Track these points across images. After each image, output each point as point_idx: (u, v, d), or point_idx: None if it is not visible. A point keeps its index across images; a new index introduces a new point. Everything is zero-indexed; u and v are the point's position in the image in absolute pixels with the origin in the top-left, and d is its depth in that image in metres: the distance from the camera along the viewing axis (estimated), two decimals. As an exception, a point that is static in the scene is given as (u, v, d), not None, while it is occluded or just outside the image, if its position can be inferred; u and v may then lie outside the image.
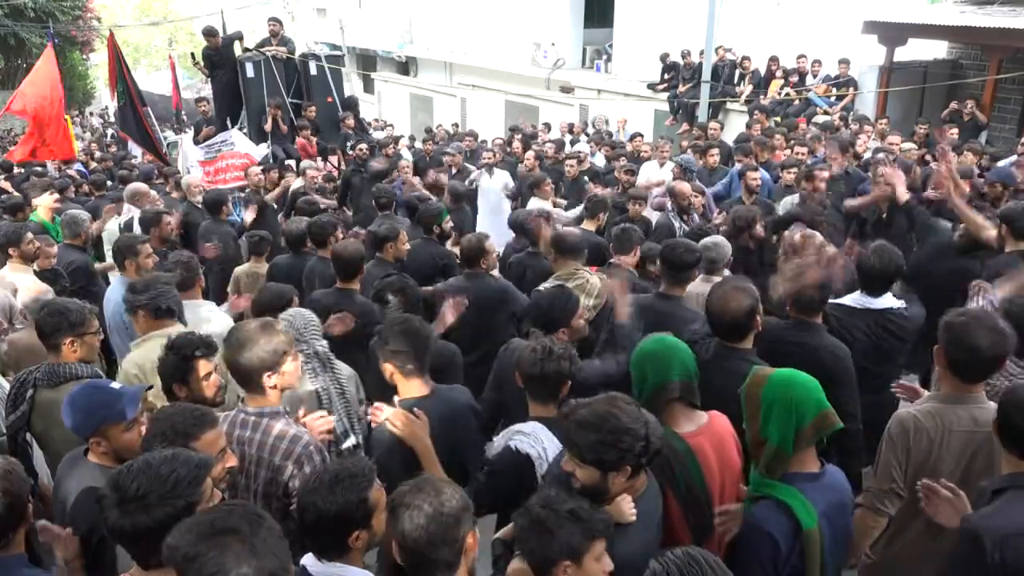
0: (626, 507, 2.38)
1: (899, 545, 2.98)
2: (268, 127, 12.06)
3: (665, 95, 15.79)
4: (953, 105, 11.52)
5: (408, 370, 3.07)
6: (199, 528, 1.79)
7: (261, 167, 9.65)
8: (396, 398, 3.06)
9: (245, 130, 12.30)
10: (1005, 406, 2.45)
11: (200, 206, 7.60)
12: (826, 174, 6.78)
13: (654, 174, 9.34)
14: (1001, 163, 8.24)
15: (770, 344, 3.39)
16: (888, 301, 3.98)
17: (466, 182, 9.40)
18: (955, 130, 9.88)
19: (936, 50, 13.79)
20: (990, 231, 4.85)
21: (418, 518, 2.06)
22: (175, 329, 3.78)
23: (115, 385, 2.86)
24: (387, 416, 2.95)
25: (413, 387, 3.09)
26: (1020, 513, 2.29)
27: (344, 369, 3.80)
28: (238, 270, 6.23)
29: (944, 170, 5.27)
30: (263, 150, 11.81)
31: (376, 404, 3.08)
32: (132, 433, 2.72)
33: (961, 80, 12.91)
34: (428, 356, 3.13)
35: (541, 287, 4.74)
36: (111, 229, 7.12)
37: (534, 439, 2.85)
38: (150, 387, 3.09)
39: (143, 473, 2.08)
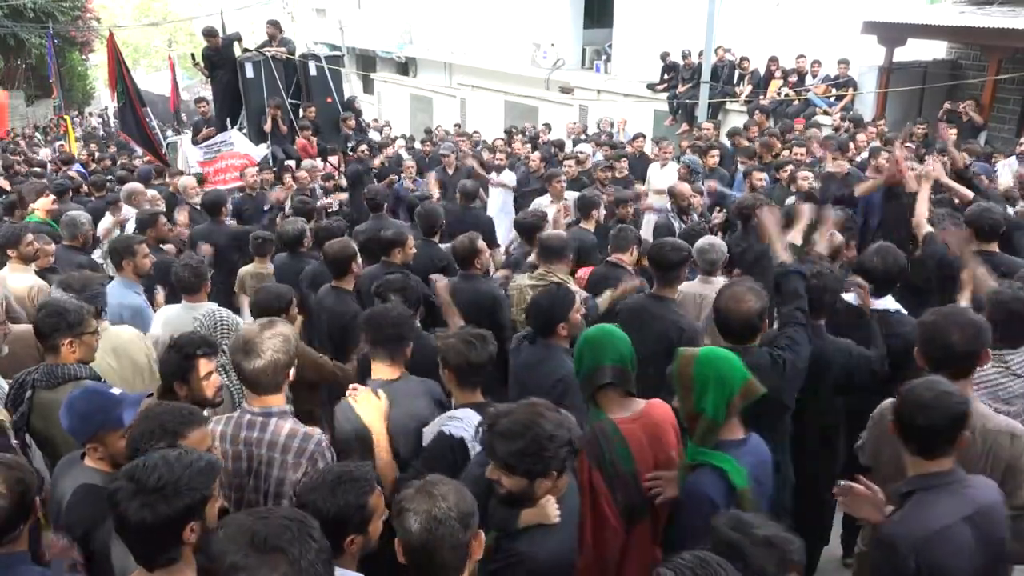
0: (551, 509, 2.42)
1: None
2: (268, 127, 12.05)
3: (664, 95, 15.79)
4: (947, 105, 11.53)
5: (376, 353, 3.34)
6: (250, 537, 1.78)
7: (259, 167, 9.65)
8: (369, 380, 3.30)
9: (245, 131, 12.29)
10: (902, 405, 2.47)
11: (198, 208, 7.60)
12: (808, 174, 6.81)
13: (656, 175, 9.34)
14: (1001, 163, 8.26)
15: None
16: (888, 303, 3.98)
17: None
18: (954, 130, 9.89)
19: (935, 50, 13.78)
20: (923, 229, 4.92)
21: (423, 521, 2.04)
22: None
23: (115, 390, 2.85)
24: (350, 393, 3.11)
25: (381, 370, 3.34)
26: (928, 516, 2.34)
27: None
28: (243, 271, 6.23)
29: (899, 155, 5.34)
30: (263, 151, 11.81)
31: (353, 385, 3.24)
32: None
33: (960, 80, 12.91)
34: (398, 344, 3.34)
35: (511, 283, 4.77)
36: (107, 228, 7.13)
37: (467, 423, 2.97)
38: (150, 394, 3.08)
39: (161, 466, 2.11)
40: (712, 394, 2.63)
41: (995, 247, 4.71)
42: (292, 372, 2.97)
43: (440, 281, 4.42)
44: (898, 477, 2.74)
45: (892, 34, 12.54)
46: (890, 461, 2.87)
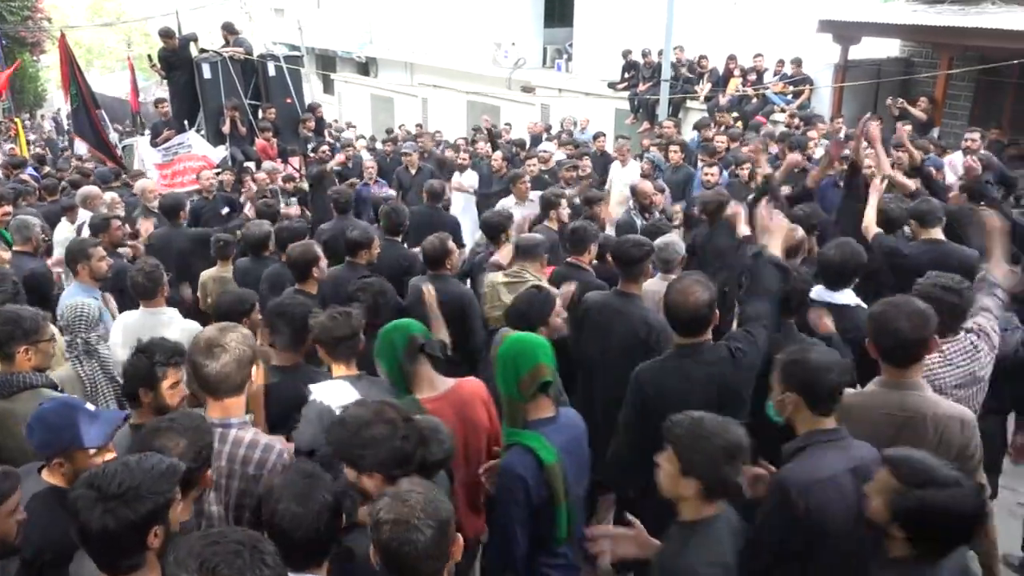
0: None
1: None
2: (226, 129, 11.89)
3: (625, 94, 15.89)
4: (888, 101, 11.78)
5: (278, 342, 3.60)
6: (199, 564, 1.78)
7: (216, 170, 9.52)
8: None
9: (203, 132, 12.12)
10: (795, 367, 2.68)
11: (157, 211, 7.47)
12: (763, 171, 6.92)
13: (618, 173, 9.40)
14: (946, 159, 8.45)
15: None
16: (847, 297, 4.04)
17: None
18: (908, 126, 10.10)
19: (889, 48, 14.06)
20: (872, 231, 5.07)
21: (399, 532, 2.01)
22: None
23: (90, 406, 2.76)
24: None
25: (279, 358, 3.62)
26: (819, 464, 2.57)
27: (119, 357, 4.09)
28: (204, 275, 6.13)
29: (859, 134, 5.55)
30: (221, 152, 11.66)
31: None
32: (100, 458, 2.59)
33: (913, 77, 13.19)
34: (295, 335, 3.57)
35: (486, 282, 4.78)
36: (64, 234, 6.96)
37: (337, 393, 3.12)
38: (128, 416, 2.99)
39: (122, 471, 2.07)
40: (502, 374, 2.85)
41: (938, 234, 4.85)
42: (255, 373, 2.92)
43: (428, 289, 4.43)
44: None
45: (846, 32, 12.76)
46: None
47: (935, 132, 11.49)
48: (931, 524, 2.14)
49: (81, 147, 13.71)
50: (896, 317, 2.84)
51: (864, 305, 4.03)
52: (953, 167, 8.11)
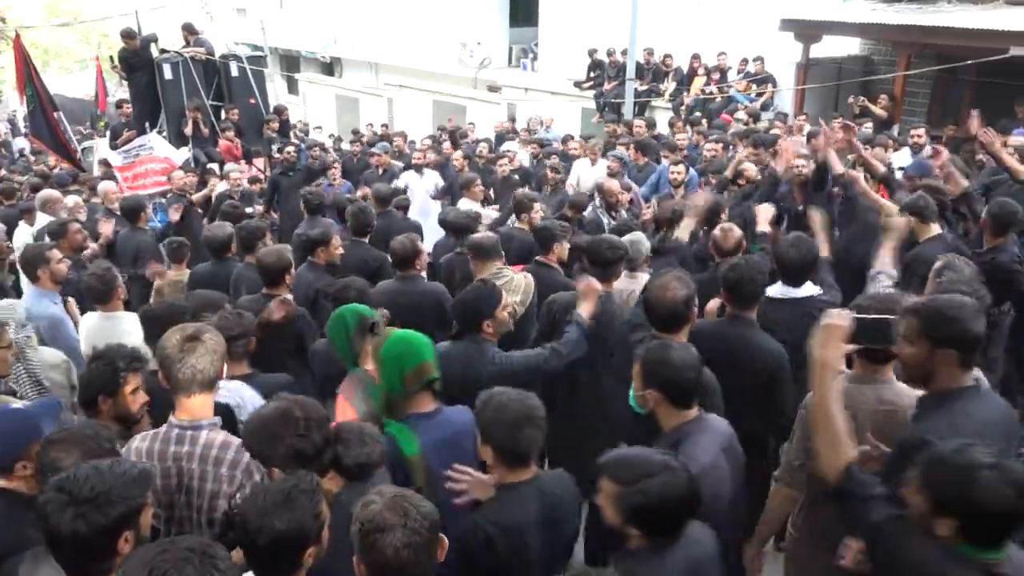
0: None
1: (816, 518, 3.03)
2: (188, 130, 11.74)
3: (591, 93, 15.95)
4: (850, 99, 11.97)
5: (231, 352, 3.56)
6: (147, 573, 1.76)
7: (184, 169, 9.39)
8: None
9: (164, 134, 11.94)
10: (648, 366, 2.78)
11: (118, 213, 7.34)
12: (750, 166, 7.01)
13: (585, 172, 9.42)
14: (897, 159, 8.58)
15: (706, 342, 3.34)
16: (809, 289, 4.10)
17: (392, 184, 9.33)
18: (869, 124, 10.27)
19: (850, 47, 14.28)
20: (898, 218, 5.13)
21: (398, 541, 2.00)
22: None
23: (16, 404, 2.73)
24: None
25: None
26: (698, 454, 2.65)
27: (49, 358, 4.13)
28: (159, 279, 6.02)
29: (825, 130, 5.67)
30: (184, 154, 11.49)
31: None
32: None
33: (873, 76, 13.40)
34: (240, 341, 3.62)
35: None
36: (22, 239, 6.82)
37: (234, 393, 3.33)
38: (59, 402, 2.93)
39: (93, 476, 2.06)
40: (386, 369, 2.96)
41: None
42: (224, 370, 2.91)
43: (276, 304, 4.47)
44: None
45: (808, 31, 12.93)
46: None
47: (895, 129, 11.69)
48: (654, 512, 2.23)
49: (23, 143, 13.36)
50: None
51: (822, 291, 4.10)
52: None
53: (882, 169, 6.59)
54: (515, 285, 4.71)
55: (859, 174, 6.21)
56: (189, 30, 12.60)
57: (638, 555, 2.28)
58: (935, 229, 5.07)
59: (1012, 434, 2.58)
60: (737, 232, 4.79)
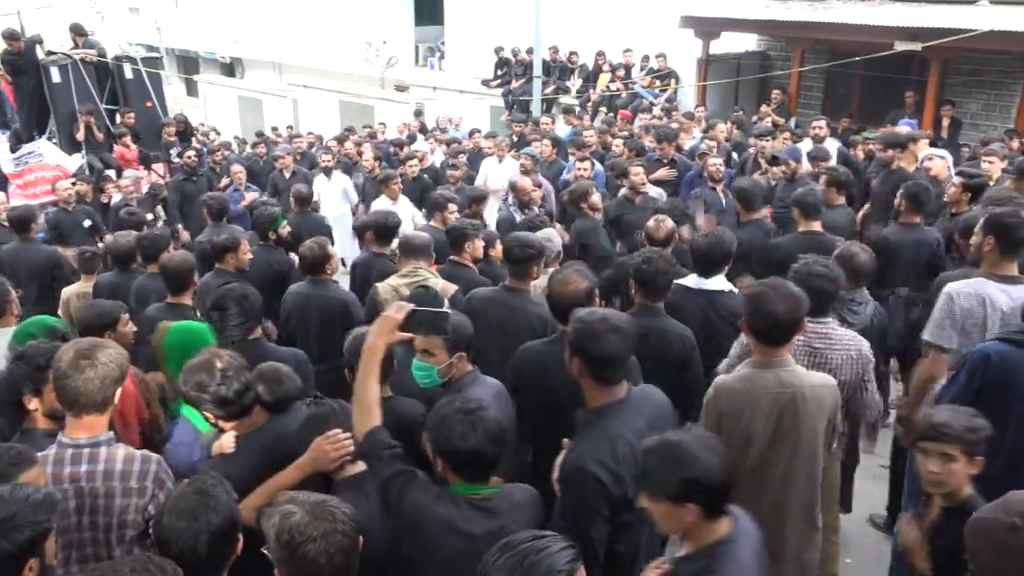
0: (227, 442, 2.95)
1: None
2: (81, 136, 11.20)
3: (500, 91, 16.00)
4: (774, 95, 12.46)
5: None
6: None
7: (72, 180, 8.97)
8: None
9: (55, 140, 11.39)
10: (580, 339, 2.65)
11: (5, 224, 6.95)
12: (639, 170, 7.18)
13: (494, 170, 9.44)
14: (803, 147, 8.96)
15: None
16: (719, 283, 4.21)
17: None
18: (769, 119, 10.68)
19: (747, 43, 14.75)
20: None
21: (332, 547, 2.01)
22: None
23: None
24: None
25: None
26: (617, 433, 2.61)
27: None
28: (67, 291, 5.76)
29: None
30: (77, 161, 11.00)
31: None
32: None
33: (770, 71, 13.89)
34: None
35: (382, 286, 4.72)
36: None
37: None
38: None
39: None
40: (174, 359, 3.22)
41: (819, 226, 5.30)
42: (118, 393, 2.76)
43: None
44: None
45: (706, 28, 13.32)
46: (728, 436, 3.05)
47: (792, 122, 12.16)
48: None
49: None
50: (773, 299, 2.96)
51: (736, 290, 4.23)
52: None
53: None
54: (431, 286, 4.68)
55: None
56: (77, 31, 12.04)
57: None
58: (815, 225, 5.32)
59: (667, 421, 2.79)
60: (669, 223, 4.91)
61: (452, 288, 4.51)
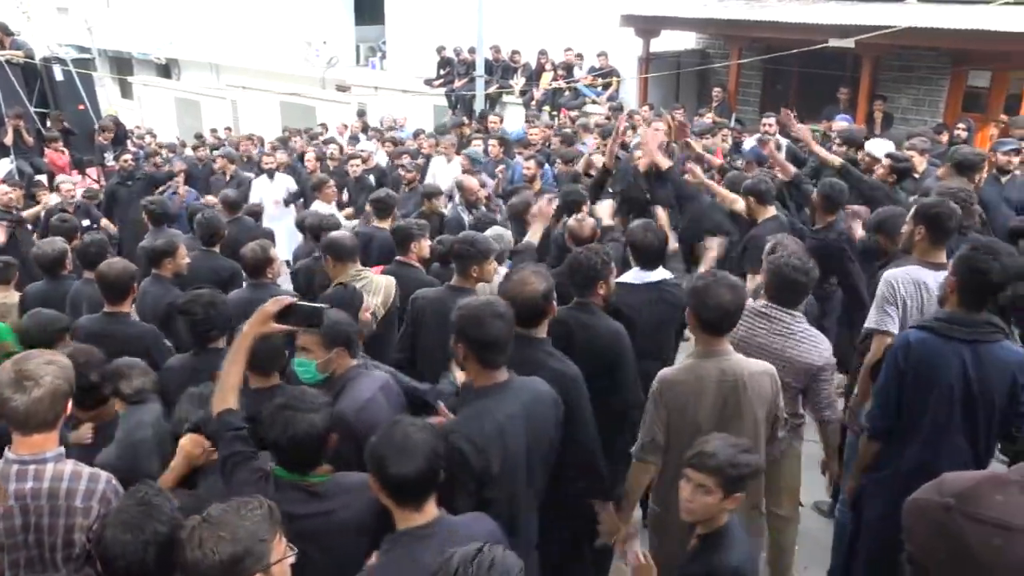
0: (84, 432, 3.25)
1: (675, 491, 3.12)
2: (8, 140, 10.84)
3: (442, 90, 15.94)
4: (715, 92, 12.66)
5: None
6: None
7: (6, 183, 8.66)
8: None
9: (-19, 145, 10.99)
10: (464, 324, 2.78)
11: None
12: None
13: (442, 169, 9.41)
14: (747, 145, 9.13)
15: (553, 327, 3.42)
16: (661, 273, 4.27)
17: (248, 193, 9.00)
18: (710, 116, 10.87)
19: (687, 41, 14.96)
20: (739, 203, 5.63)
21: (216, 548, 1.94)
22: None
23: None
24: None
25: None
26: (494, 413, 2.75)
27: None
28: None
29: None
30: (6, 166, 10.66)
31: None
32: None
33: (709, 68, 14.13)
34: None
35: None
36: None
37: None
38: None
39: None
40: None
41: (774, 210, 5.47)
42: (70, 405, 2.67)
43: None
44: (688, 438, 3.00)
45: (646, 26, 13.48)
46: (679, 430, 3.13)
47: (732, 118, 12.38)
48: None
49: None
50: (719, 290, 3.03)
51: (673, 275, 4.32)
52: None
53: (718, 162, 7.03)
54: (375, 287, 4.65)
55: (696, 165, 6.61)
56: (3, 31, 11.66)
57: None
58: (771, 211, 5.42)
59: (545, 408, 2.94)
60: (591, 221, 4.93)
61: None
